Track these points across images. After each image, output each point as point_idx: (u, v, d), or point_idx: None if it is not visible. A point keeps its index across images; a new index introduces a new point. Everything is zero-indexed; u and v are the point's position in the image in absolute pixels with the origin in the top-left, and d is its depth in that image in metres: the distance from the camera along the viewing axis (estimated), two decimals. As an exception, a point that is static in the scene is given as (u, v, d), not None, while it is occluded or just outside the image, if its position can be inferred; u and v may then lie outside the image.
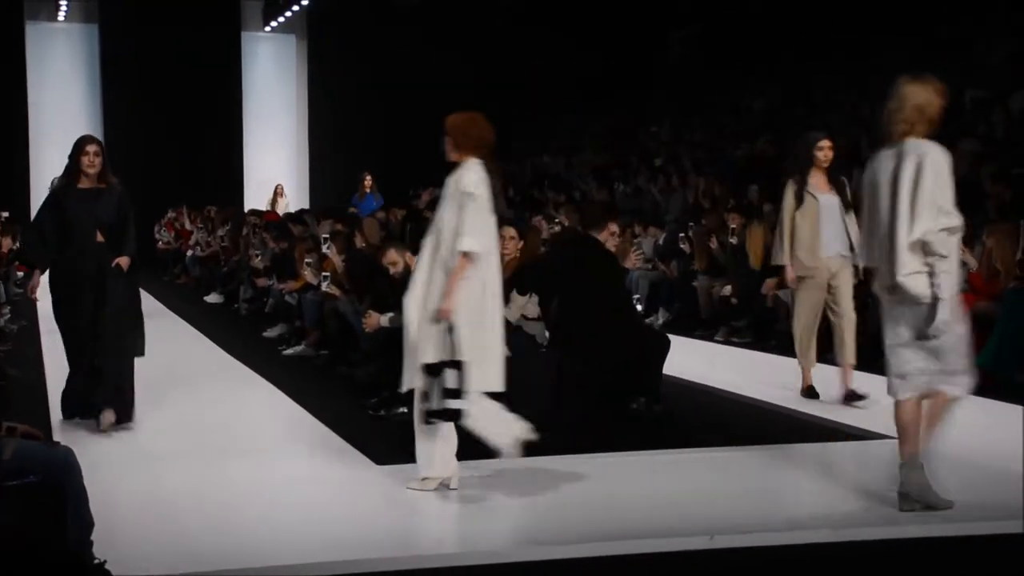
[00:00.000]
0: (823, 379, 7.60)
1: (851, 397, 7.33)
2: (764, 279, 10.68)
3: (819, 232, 7.31)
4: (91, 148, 6.70)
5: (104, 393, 6.61)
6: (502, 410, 5.33)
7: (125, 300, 6.73)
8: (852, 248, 7.28)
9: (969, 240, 8.84)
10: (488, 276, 5.28)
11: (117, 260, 6.67)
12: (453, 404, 5.17)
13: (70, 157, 6.73)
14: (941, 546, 4.71)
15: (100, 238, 6.69)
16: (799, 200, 7.37)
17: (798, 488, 5.63)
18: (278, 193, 19.23)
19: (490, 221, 5.31)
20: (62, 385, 6.93)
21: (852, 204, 7.26)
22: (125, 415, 6.68)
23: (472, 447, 5.86)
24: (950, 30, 15.41)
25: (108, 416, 6.56)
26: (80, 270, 6.65)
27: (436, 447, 5.35)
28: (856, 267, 7.29)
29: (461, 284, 5.18)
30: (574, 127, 21.11)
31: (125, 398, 6.70)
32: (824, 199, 7.38)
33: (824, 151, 7.42)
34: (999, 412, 6.90)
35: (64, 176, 6.84)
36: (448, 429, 5.34)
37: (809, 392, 7.59)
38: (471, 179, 5.28)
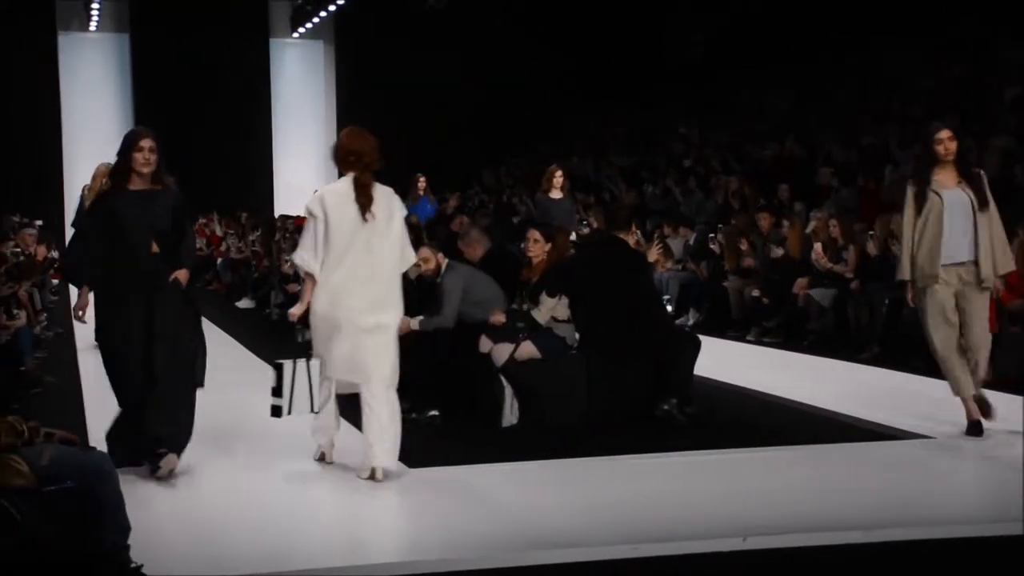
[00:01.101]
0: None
1: (973, 429, 6.38)
2: (795, 278, 10.65)
3: (941, 234, 6.36)
4: (146, 143, 5.72)
5: (157, 427, 5.64)
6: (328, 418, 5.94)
7: (182, 322, 5.83)
8: (977, 254, 6.37)
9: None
10: (338, 289, 5.64)
11: (175, 274, 5.76)
12: (272, 400, 5.89)
13: (119, 154, 5.78)
14: (975, 547, 4.67)
15: (155, 248, 5.73)
16: (920, 201, 6.42)
17: (831, 489, 5.59)
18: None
19: (337, 237, 5.61)
20: (98, 392, 6.92)
21: (987, 201, 6.42)
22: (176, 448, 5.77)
23: (507, 450, 5.86)
24: (980, 29, 15.28)
25: (170, 461, 5.62)
26: (132, 286, 5.68)
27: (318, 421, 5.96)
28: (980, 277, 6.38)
29: (305, 294, 5.77)
30: (600, 129, 21.08)
31: (180, 433, 5.76)
32: (950, 196, 6.42)
33: (944, 143, 6.46)
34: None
35: (112, 177, 5.91)
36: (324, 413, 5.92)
37: (974, 428, 6.40)
38: (311, 197, 5.80)
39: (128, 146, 5.74)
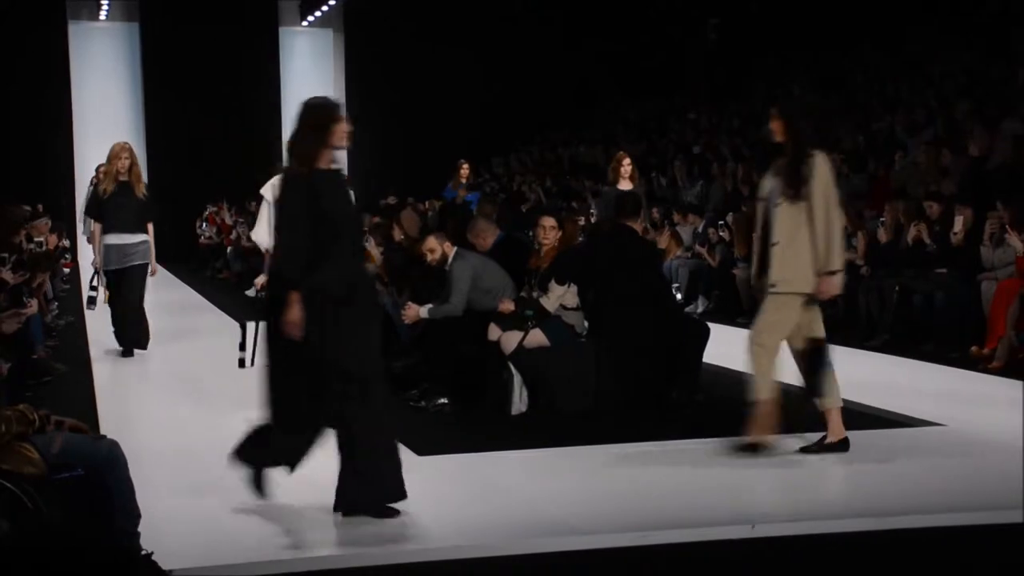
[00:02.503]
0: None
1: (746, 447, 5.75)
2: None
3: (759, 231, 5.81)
4: (346, 116, 4.87)
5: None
6: None
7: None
8: (765, 257, 5.62)
9: (1016, 224, 8.74)
10: None
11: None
12: (239, 354, 7.11)
13: (314, 129, 4.79)
14: (986, 534, 4.67)
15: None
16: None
17: (841, 476, 5.59)
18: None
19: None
20: (108, 380, 6.92)
21: (793, 189, 5.49)
22: None
23: (516, 437, 5.88)
24: (996, 17, 15.19)
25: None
26: (349, 289, 4.71)
27: None
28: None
29: (265, 266, 6.59)
30: (610, 116, 21.04)
31: None
32: (766, 186, 5.76)
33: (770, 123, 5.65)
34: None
35: (303, 155, 4.77)
36: None
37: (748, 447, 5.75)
38: (266, 185, 6.54)
39: (329, 119, 4.80)
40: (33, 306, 8.15)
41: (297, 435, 4.83)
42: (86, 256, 17.02)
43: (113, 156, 9.38)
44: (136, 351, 9.43)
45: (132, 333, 9.37)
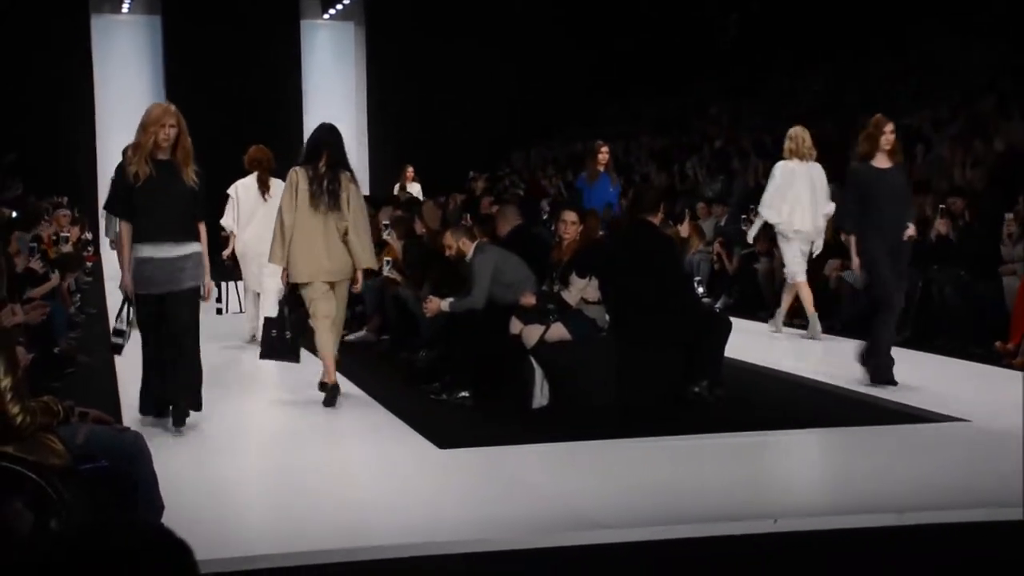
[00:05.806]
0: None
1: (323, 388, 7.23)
2: (827, 260, 10.57)
3: None
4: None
5: None
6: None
7: None
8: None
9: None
10: (246, 241, 9.35)
11: None
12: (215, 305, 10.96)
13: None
14: (1010, 529, 4.63)
15: None
16: None
17: (863, 471, 5.56)
18: (407, 176, 15.79)
19: (244, 210, 9.36)
20: (131, 372, 6.85)
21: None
22: None
23: (537, 431, 5.87)
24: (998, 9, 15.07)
25: None
26: None
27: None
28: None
29: (230, 243, 9.58)
30: (630, 111, 20.98)
31: None
32: None
33: None
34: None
35: None
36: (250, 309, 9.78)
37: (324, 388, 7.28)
38: (232, 186, 9.43)
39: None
40: (55, 279, 9.20)
41: None
42: (108, 254, 17.04)
43: (151, 121, 6.23)
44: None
45: (178, 390, 6.29)
